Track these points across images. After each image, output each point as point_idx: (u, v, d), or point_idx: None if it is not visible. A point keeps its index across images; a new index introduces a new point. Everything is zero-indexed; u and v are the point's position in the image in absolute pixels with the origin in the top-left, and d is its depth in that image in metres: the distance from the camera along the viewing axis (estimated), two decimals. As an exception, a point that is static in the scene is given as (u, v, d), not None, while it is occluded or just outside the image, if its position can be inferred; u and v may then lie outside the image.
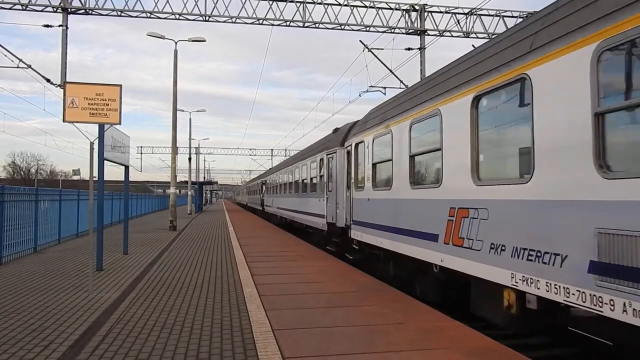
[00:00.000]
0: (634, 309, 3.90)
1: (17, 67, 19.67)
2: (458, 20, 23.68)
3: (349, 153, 12.32)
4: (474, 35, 23.61)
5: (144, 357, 4.90)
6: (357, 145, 11.52)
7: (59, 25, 21.44)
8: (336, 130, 15.07)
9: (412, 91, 9.04)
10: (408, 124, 8.44)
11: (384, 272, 10.21)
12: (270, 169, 41.76)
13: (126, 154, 13.20)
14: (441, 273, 7.33)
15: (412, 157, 8.36)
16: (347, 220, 12.25)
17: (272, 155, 72.93)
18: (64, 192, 17.84)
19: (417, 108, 8.19)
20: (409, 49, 23.62)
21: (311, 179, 17.53)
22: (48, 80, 20.88)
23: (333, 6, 22.95)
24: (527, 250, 5.21)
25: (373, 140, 10.34)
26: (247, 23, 22.84)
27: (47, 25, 21.17)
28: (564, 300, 4.67)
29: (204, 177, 79.66)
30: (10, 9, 21.07)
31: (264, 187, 37.24)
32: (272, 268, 10.83)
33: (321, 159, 15.63)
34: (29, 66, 19.93)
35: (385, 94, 21.81)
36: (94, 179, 9.03)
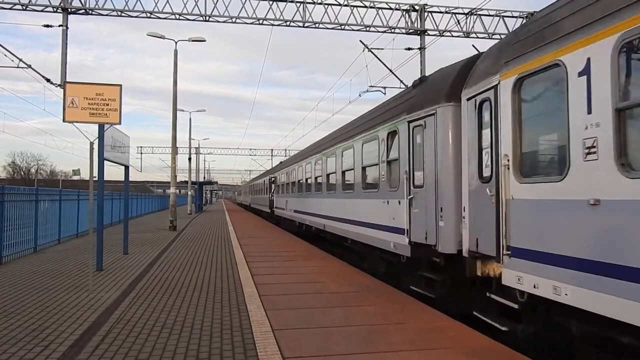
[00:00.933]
0: None
1: (17, 67, 19.69)
2: (458, 20, 23.69)
3: (481, 108, 6.48)
4: (474, 35, 23.62)
5: (144, 357, 4.90)
6: (520, 82, 5.63)
7: (59, 25, 21.43)
8: (423, 79, 8.96)
9: None
10: None
11: None
12: (281, 162, 33.87)
13: (126, 154, 13.21)
14: None
15: None
16: (477, 243, 6.49)
17: (272, 155, 72.99)
18: (64, 192, 17.84)
19: None
20: (409, 49, 23.62)
21: (364, 168, 11.25)
22: (48, 80, 20.90)
23: (333, 6, 22.96)
24: None
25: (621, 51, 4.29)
26: (247, 23, 22.85)
27: (47, 25, 21.17)
28: None
29: (204, 177, 79.74)
30: (10, 9, 21.07)
31: (273, 185, 30.73)
32: (272, 268, 10.82)
33: (391, 133, 9.43)
34: (29, 66, 19.94)
35: (385, 93, 21.82)
36: (94, 179, 9.03)
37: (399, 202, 8.80)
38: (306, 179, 18.86)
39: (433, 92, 8.02)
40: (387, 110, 10.18)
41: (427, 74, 9.89)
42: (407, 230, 8.42)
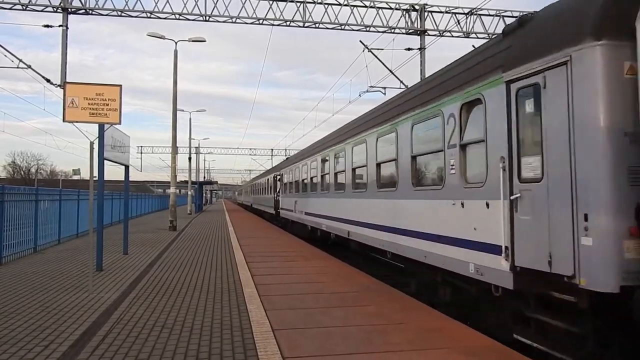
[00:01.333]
0: None
1: (17, 68, 19.71)
2: (458, 21, 23.70)
3: None
4: (474, 35, 23.62)
5: (144, 357, 4.90)
6: None
7: (59, 26, 21.45)
8: (524, 20, 5.84)
9: None
10: None
11: None
12: (288, 158, 30.27)
13: (126, 153, 13.22)
14: None
15: None
16: None
17: (272, 155, 72.97)
18: (64, 192, 17.83)
19: None
20: (409, 49, 23.62)
21: (414, 157, 8.49)
22: (48, 81, 20.92)
23: (333, 6, 22.98)
24: None
25: None
26: (247, 23, 22.87)
27: (47, 26, 21.20)
28: None
29: (204, 177, 79.75)
30: (10, 9, 21.09)
31: (278, 183, 27.32)
32: (272, 268, 10.82)
33: (467, 105, 6.76)
34: (29, 66, 19.96)
35: (385, 94, 21.82)
36: (94, 178, 9.04)
37: (487, 205, 6.07)
38: (322, 176, 15.80)
39: (559, 30, 5.11)
40: (456, 75, 7.20)
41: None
42: (507, 247, 5.60)
